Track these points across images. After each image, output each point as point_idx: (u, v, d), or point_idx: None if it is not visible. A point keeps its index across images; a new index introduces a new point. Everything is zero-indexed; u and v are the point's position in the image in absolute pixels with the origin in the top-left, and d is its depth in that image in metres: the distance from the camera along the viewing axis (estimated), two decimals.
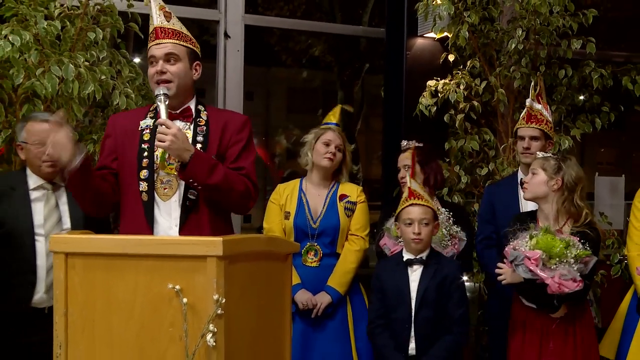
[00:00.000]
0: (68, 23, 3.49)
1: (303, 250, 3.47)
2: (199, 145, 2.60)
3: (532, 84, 3.68)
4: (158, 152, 2.60)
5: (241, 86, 5.10)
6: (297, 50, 11.39)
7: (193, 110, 2.69)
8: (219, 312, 1.91)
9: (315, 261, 3.48)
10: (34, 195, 2.96)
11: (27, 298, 2.90)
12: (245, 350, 2.07)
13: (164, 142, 2.44)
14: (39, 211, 2.95)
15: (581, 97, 4.64)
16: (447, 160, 4.54)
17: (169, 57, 2.60)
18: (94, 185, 2.56)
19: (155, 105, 2.62)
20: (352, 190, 3.59)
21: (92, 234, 2.19)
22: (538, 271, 2.79)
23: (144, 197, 2.59)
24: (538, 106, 3.52)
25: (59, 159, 2.41)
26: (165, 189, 2.59)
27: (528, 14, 4.33)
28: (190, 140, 2.59)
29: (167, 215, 2.59)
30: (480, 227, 3.68)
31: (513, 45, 4.37)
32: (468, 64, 4.52)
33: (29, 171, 3.00)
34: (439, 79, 4.56)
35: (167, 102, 2.54)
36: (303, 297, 3.39)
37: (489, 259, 3.57)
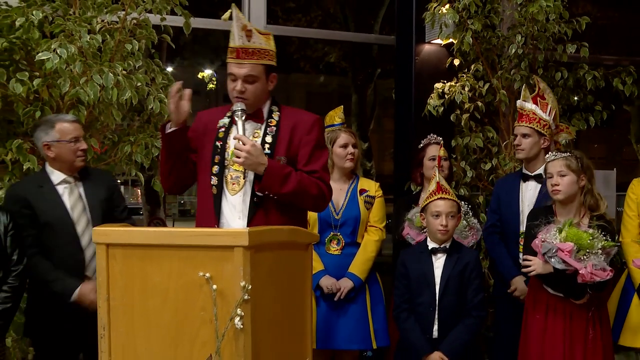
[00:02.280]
0: (108, 36, 3.49)
1: (326, 240, 3.45)
2: (267, 146, 2.57)
3: (524, 85, 3.66)
4: (229, 150, 2.58)
5: None
6: (314, 57, 11.38)
7: (265, 112, 2.64)
8: (245, 297, 1.90)
9: (337, 249, 3.46)
10: (60, 189, 3.00)
11: (80, 274, 2.93)
12: (270, 332, 2.06)
13: (239, 157, 2.44)
14: (67, 202, 2.99)
15: (576, 98, 4.62)
16: (454, 156, 4.52)
17: (247, 79, 2.54)
18: (182, 156, 2.63)
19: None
20: (370, 186, 3.57)
21: (130, 227, 2.20)
22: (572, 262, 2.75)
23: (214, 190, 2.59)
24: (530, 106, 3.49)
25: (178, 118, 2.52)
26: (233, 184, 2.58)
27: (526, 21, 4.30)
28: (260, 140, 2.58)
29: (233, 208, 2.58)
30: (488, 216, 3.69)
31: (513, 50, 4.34)
32: (472, 67, 4.51)
33: (49, 169, 3.01)
34: (445, 81, 4.55)
35: (244, 117, 2.52)
36: (328, 282, 3.38)
37: (491, 243, 3.59)
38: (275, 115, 2.65)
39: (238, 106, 2.53)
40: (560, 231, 2.81)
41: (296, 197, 2.53)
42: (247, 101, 2.55)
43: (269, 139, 2.59)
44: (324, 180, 2.61)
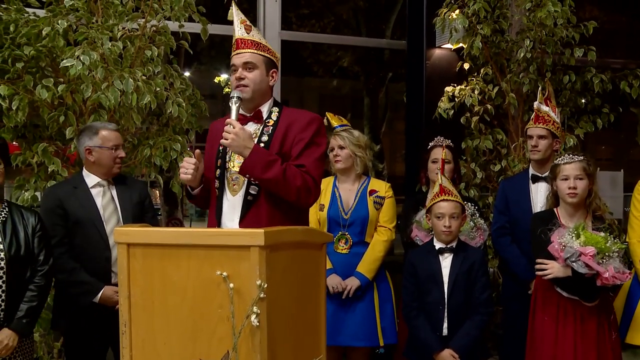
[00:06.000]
0: (128, 43, 3.51)
1: (335, 239, 3.43)
2: (262, 144, 2.54)
3: (540, 88, 3.65)
4: (230, 152, 2.58)
5: (278, 94, 5.11)
6: (328, 61, 11.36)
7: (264, 113, 2.63)
8: (261, 295, 1.90)
9: (345, 249, 3.45)
10: (94, 191, 3.05)
11: (107, 271, 2.97)
12: (285, 329, 2.07)
13: (227, 139, 2.43)
14: (99, 202, 3.04)
15: (583, 100, 4.60)
16: (464, 158, 4.51)
17: (246, 66, 2.55)
18: (206, 197, 2.68)
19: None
20: (380, 186, 3.55)
21: (149, 227, 2.21)
22: (595, 265, 2.72)
23: (217, 192, 2.60)
24: (545, 108, 3.49)
25: (189, 182, 2.57)
26: (234, 185, 2.57)
27: (535, 26, 4.30)
28: (256, 140, 2.55)
29: (232, 208, 2.57)
30: (495, 217, 3.64)
31: (522, 54, 4.34)
32: (481, 71, 4.51)
33: (85, 172, 3.08)
34: (455, 85, 4.56)
35: (238, 104, 2.50)
36: (333, 281, 3.36)
37: (503, 245, 3.55)
38: (274, 116, 2.62)
39: (234, 93, 2.52)
40: (577, 235, 2.77)
41: (278, 186, 2.44)
42: (246, 88, 2.54)
43: (264, 138, 2.56)
44: (311, 175, 2.51)
